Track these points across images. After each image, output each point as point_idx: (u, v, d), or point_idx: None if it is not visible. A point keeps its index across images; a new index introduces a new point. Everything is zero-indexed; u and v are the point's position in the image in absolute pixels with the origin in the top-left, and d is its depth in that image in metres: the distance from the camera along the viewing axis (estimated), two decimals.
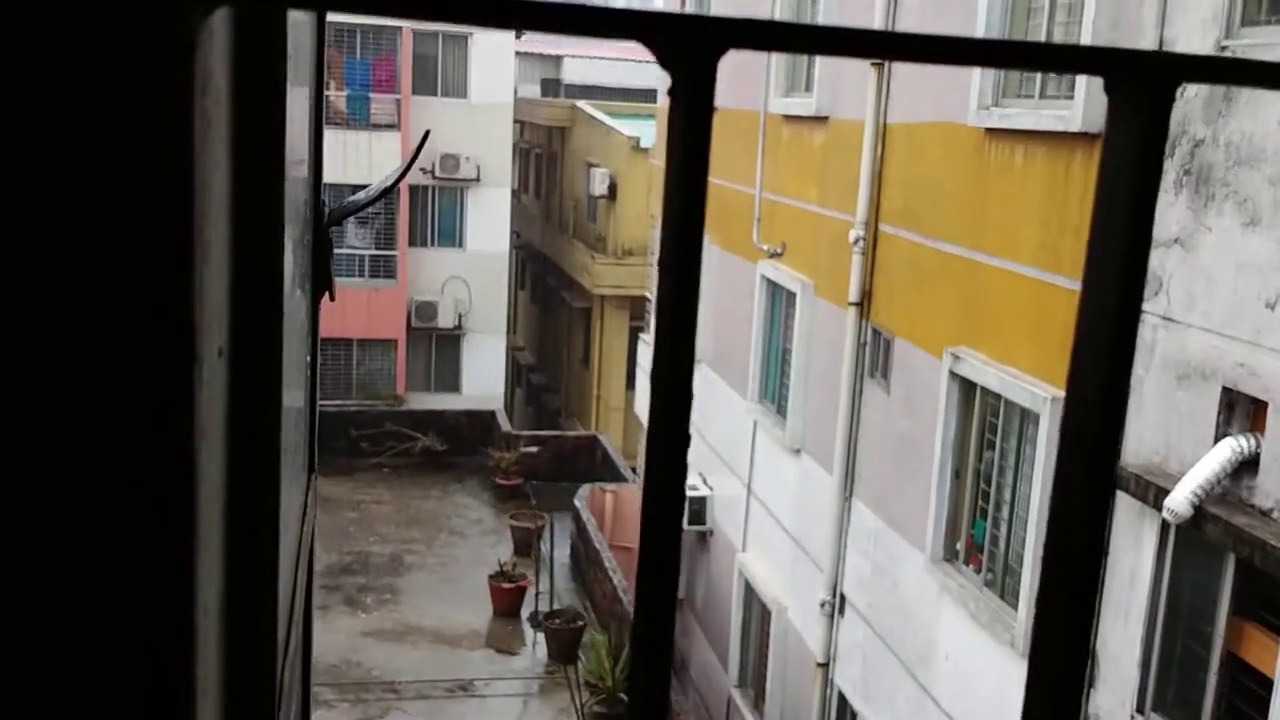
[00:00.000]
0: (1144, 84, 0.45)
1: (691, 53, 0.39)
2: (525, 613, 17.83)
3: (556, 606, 17.41)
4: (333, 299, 1.95)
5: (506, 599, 17.80)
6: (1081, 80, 7.41)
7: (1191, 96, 6.53)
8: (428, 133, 3.35)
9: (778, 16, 12.55)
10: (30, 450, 0.50)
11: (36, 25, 0.45)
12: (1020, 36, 8.45)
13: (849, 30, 0.44)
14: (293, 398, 1.56)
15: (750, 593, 13.36)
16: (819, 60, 11.60)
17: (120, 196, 0.49)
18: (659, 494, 0.44)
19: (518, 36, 27.68)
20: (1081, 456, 0.45)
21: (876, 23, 10.20)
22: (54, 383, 0.50)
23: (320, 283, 1.89)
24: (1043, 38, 8.16)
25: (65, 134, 0.47)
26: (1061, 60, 0.48)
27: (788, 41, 0.43)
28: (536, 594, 17.70)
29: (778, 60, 12.62)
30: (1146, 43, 6.81)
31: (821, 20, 11.50)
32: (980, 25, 8.58)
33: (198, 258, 0.52)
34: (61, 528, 0.51)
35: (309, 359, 1.92)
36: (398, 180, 2.73)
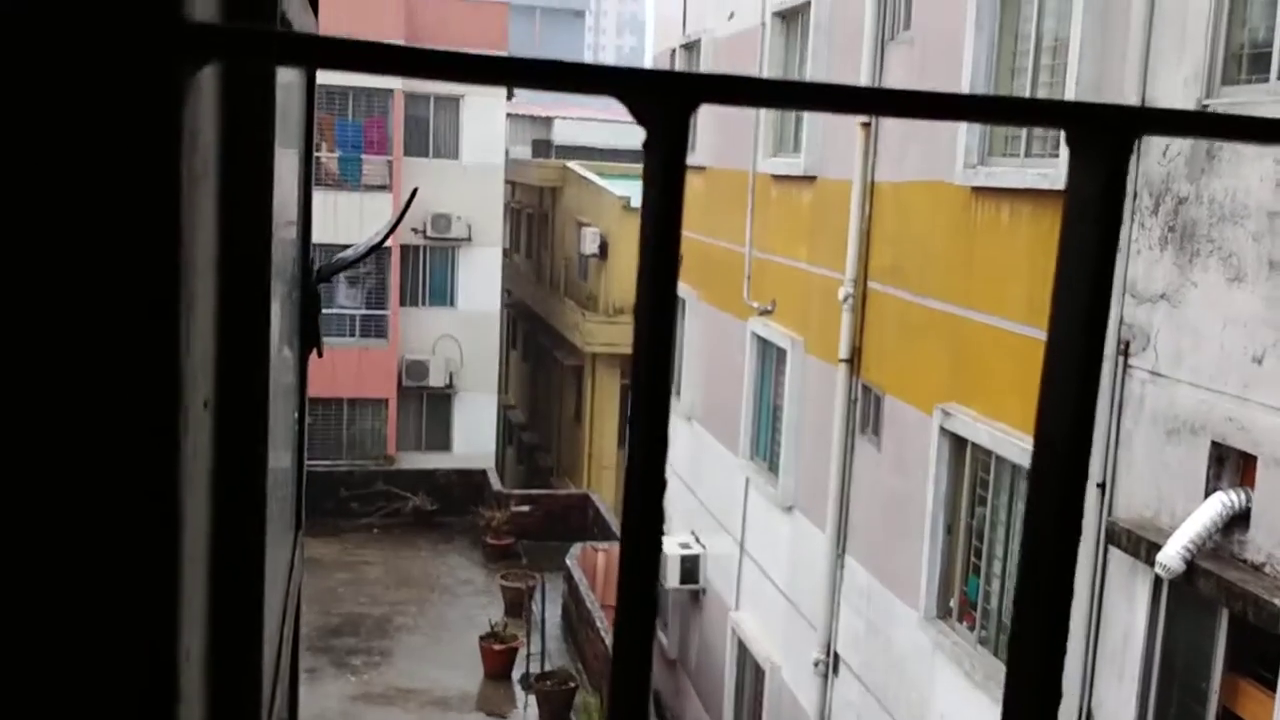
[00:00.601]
0: (1104, 136, 0.46)
1: (664, 107, 0.40)
2: (517, 674, 17.63)
3: (548, 668, 17.22)
4: (320, 356, 1.96)
5: (498, 661, 17.61)
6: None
7: (1175, 154, 6.62)
8: (415, 190, 3.38)
9: (765, 75, 12.71)
10: (10, 493, 0.50)
11: (25, 74, 0.45)
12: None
13: (816, 85, 0.45)
14: (280, 454, 1.56)
15: (743, 652, 13.24)
16: (807, 121, 11.74)
17: (108, 246, 0.49)
18: (636, 547, 0.44)
19: (509, 97, 27.97)
20: (1050, 500, 0.46)
21: (863, 85, 10.33)
22: (39, 425, 0.50)
23: (308, 340, 1.89)
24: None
25: (53, 183, 0.48)
26: (1024, 113, 0.49)
27: (757, 96, 0.44)
28: (528, 655, 17.52)
29: (766, 121, 12.77)
30: (1129, 101, 6.91)
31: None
32: (965, 83, 8.70)
33: (184, 308, 0.53)
34: (41, 574, 0.51)
35: (296, 415, 1.92)
36: (385, 237, 2.74)
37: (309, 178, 1.98)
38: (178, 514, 0.54)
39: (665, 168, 0.41)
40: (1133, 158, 0.48)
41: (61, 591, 0.52)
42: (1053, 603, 0.46)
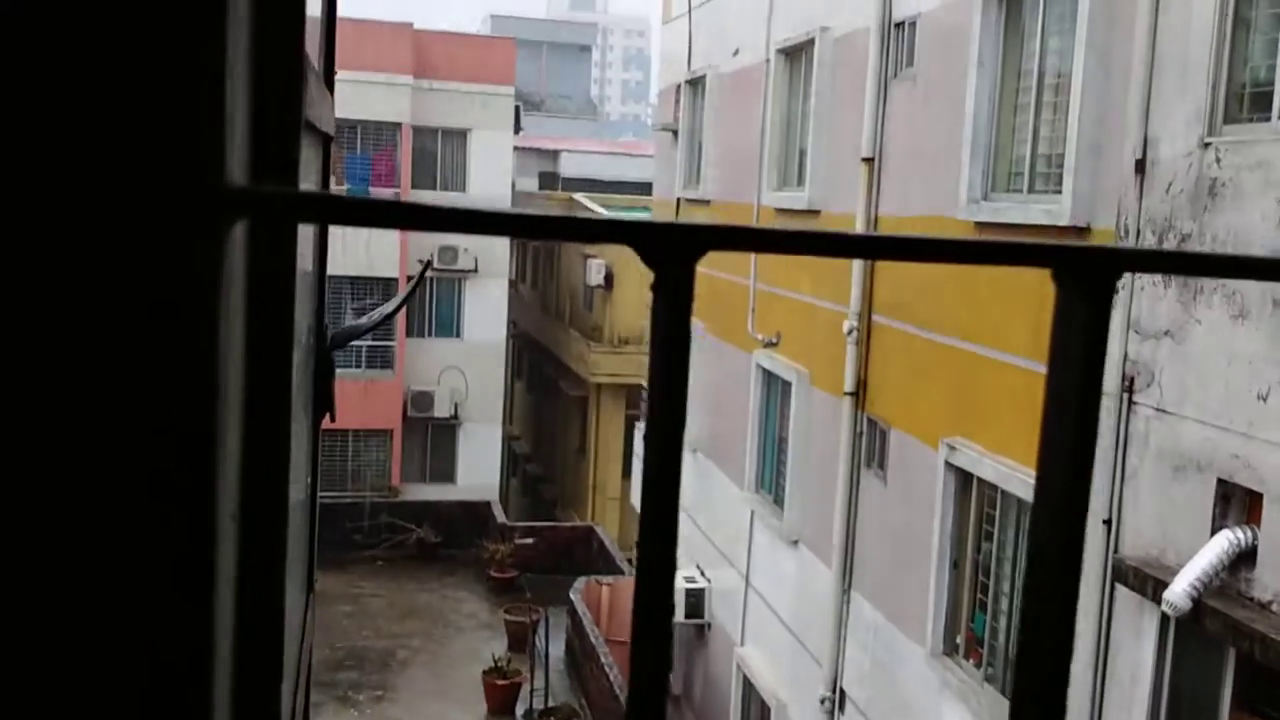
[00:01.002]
0: (1088, 274, 0.49)
1: (672, 255, 0.44)
2: (520, 710, 17.53)
3: (551, 704, 17.13)
4: (334, 420, 2.00)
5: (501, 696, 17.52)
6: (1069, 174, 7.54)
7: (1178, 191, 6.64)
8: (429, 263, 3.47)
9: (769, 126, 12.79)
10: (45, 617, 0.54)
11: (86, 235, 0.51)
12: (1007, 135, 8.62)
13: (818, 233, 0.49)
14: (294, 524, 1.59)
15: (749, 688, 13.17)
16: (811, 155, 11.80)
17: (153, 391, 0.55)
18: (650, 589, 0.47)
19: (516, 131, 28.15)
20: (1052, 544, 0.48)
21: (866, 124, 10.40)
22: (81, 571, 0.54)
23: (321, 405, 1.92)
24: (1029, 136, 8.32)
25: (105, 337, 0.54)
26: (1011, 255, 0.53)
27: (761, 243, 0.48)
28: (531, 691, 17.43)
29: (770, 154, 12.84)
30: (1131, 141, 6.94)
31: (813, 119, 11.73)
32: (968, 120, 8.75)
33: (220, 438, 0.58)
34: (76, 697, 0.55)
35: (309, 480, 1.94)
36: (397, 309, 2.81)
37: (324, 242, 2.00)
38: (210, 635, 0.59)
39: (671, 309, 0.45)
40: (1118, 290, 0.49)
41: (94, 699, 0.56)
42: (1055, 641, 0.48)
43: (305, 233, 1.69)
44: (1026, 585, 0.52)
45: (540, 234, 0.46)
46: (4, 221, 0.52)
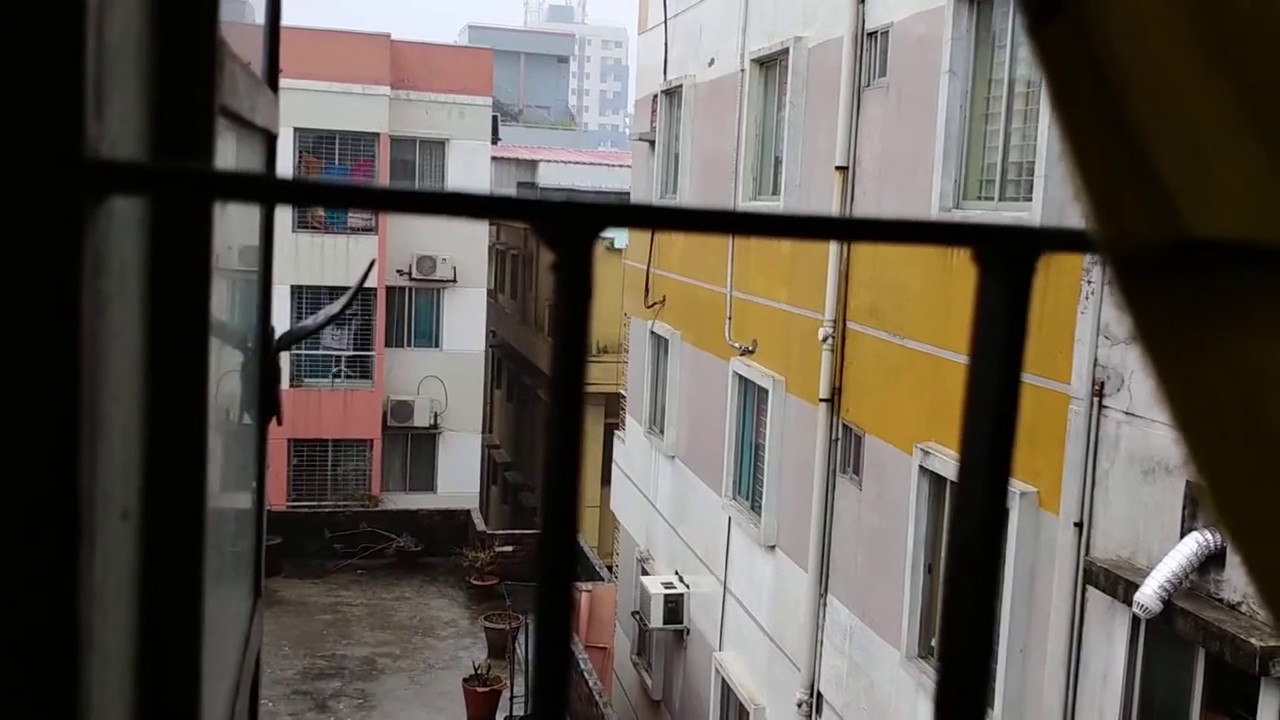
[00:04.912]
0: (1009, 254, 0.49)
1: (570, 234, 0.45)
2: (500, 716, 17.51)
3: (532, 710, 17.08)
4: (279, 424, 2.00)
5: (481, 703, 17.49)
6: (1040, 181, 7.63)
7: None
8: (373, 262, 3.48)
9: (744, 135, 12.87)
10: None
11: None
12: (979, 143, 8.71)
13: (718, 211, 0.50)
14: (233, 521, 1.59)
15: (728, 692, 13.21)
16: (785, 164, 11.89)
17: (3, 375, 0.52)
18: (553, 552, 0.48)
19: (494, 141, 28.15)
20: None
21: (840, 133, 10.48)
22: None
23: (267, 410, 1.93)
24: (1000, 144, 8.41)
25: None
26: (932, 234, 0.53)
27: (655, 221, 0.49)
28: (511, 697, 17.41)
29: (745, 163, 12.91)
30: None
31: (787, 128, 11.81)
32: (940, 127, 8.84)
33: (86, 426, 0.54)
34: None
35: (255, 484, 1.95)
36: (343, 309, 2.81)
37: (270, 241, 2.02)
38: (76, 642, 0.55)
39: (570, 289, 0.45)
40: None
41: None
42: (977, 612, 0.49)
43: (247, 231, 1.69)
44: (948, 577, 0.54)
45: (438, 210, 0.45)
46: None
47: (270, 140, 1.86)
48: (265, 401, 1.88)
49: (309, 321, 2.91)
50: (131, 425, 0.76)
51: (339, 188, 0.45)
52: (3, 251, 0.51)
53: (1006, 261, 0.49)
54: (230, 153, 1.35)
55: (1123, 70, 0.41)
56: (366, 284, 25.28)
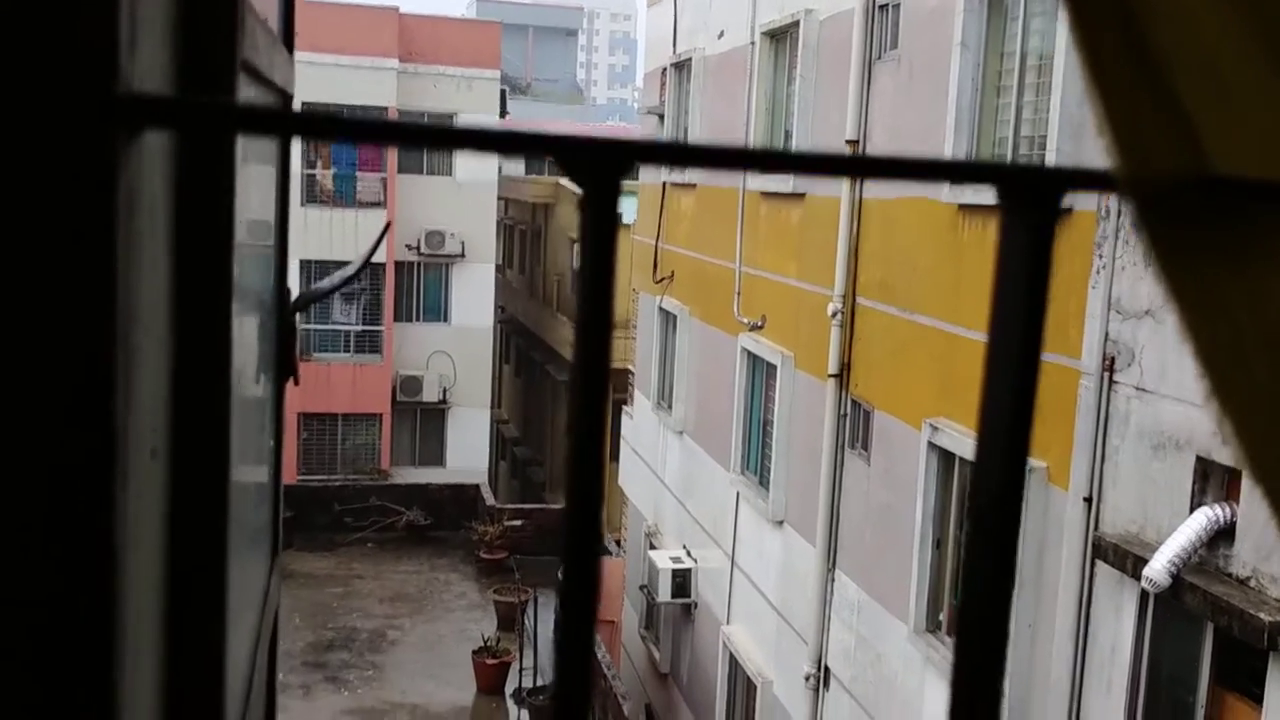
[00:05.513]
0: (1032, 193, 0.49)
1: (598, 170, 0.45)
2: (510, 689, 17.62)
3: (541, 682, 17.22)
4: (296, 384, 2.01)
5: (491, 675, 17.60)
6: (1051, 154, 7.59)
7: None
8: (389, 224, 3.48)
9: (754, 108, 12.81)
10: None
11: None
12: (990, 115, 8.66)
13: (742, 149, 0.49)
14: (254, 482, 1.59)
15: (735, 666, 13.26)
16: (795, 138, 11.83)
17: (42, 305, 0.53)
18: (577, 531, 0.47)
19: (502, 115, 28.06)
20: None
21: (850, 106, 10.42)
22: None
23: (284, 369, 1.94)
24: (1011, 117, 8.35)
25: None
26: (954, 173, 0.52)
27: (685, 159, 0.48)
28: (520, 670, 17.51)
29: (755, 137, 12.85)
30: None
31: (797, 101, 11.74)
32: (951, 101, 8.78)
33: (120, 361, 0.55)
34: None
35: (273, 443, 1.96)
36: (359, 270, 2.81)
37: (286, 202, 2.02)
38: (113, 571, 0.56)
39: (598, 225, 0.45)
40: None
41: None
42: (997, 587, 0.49)
43: (264, 187, 1.69)
44: (969, 532, 0.54)
45: (462, 145, 0.45)
46: None
47: (286, 100, 1.86)
48: (282, 361, 1.89)
49: (324, 282, 2.91)
50: (160, 362, 0.77)
51: (360, 123, 0.45)
52: (43, 183, 0.51)
53: (1030, 201, 0.49)
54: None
55: (1146, 1, 0.41)
56: (375, 259, 25.29)
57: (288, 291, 1.97)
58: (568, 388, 0.48)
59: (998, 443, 0.50)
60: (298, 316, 2.14)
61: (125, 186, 0.54)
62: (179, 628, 0.87)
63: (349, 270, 2.68)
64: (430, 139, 0.47)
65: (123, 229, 0.54)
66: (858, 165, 0.51)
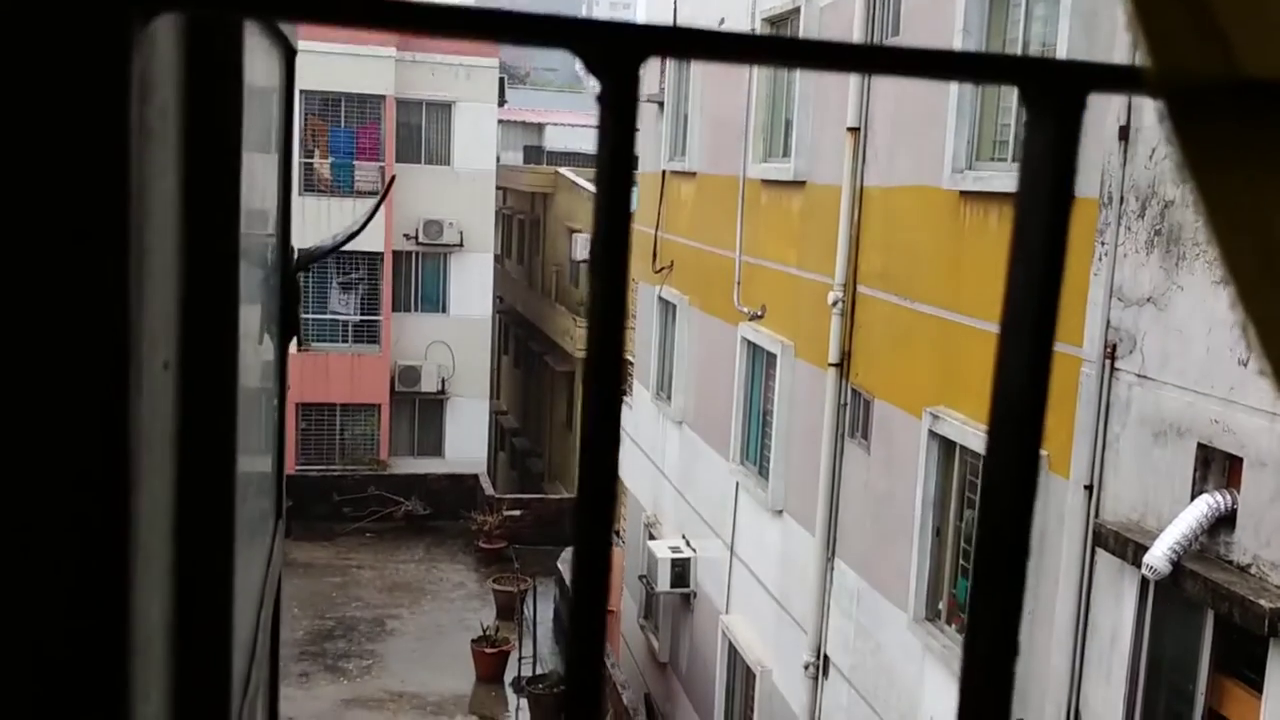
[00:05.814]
0: (1056, 90, 0.47)
1: (616, 58, 0.42)
2: (509, 678, 17.63)
3: (540, 671, 17.24)
4: (300, 346, 1.99)
5: (490, 664, 17.61)
6: None
7: (1161, 158, 6.67)
8: (393, 178, 3.45)
9: (754, 97, 12.77)
10: None
11: None
12: (992, 103, 8.63)
13: (765, 38, 0.47)
14: (258, 434, 1.58)
15: (734, 655, 13.27)
16: (796, 126, 11.79)
17: (53, 195, 0.52)
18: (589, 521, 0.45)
19: (500, 104, 28.00)
20: (1008, 459, 0.48)
21: (851, 95, 10.39)
22: None
23: (288, 327, 1.93)
24: (1013, 104, 8.32)
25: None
26: (975, 68, 0.50)
27: (707, 49, 0.46)
28: (520, 659, 17.52)
29: (756, 125, 12.82)
30: (1114, 108, 6.97)
31: (799, 90, 11.71)
32: (953, 93, 8.75)
33: (133, 260, 0.54)
34: None
35: (277, 402, 1.95)
36: (362, 226, 2.81)
37: (288, 167, 2.01)
38: (128, 470, 0.55)
39: (617, 117, 0.43)
40: (1085, 114, 0.48)
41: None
42: (1010, 576, 0.47)
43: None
44: (984, 486, 0.52)
45: (475, 32, 0.43)
46: None
47: (290, 56, 1.85)
48: (286, 320, 1.88)
49: (326, 241, 2.91)
50: (171, 270, 0.75)
51: (373, 2, 0.43)
52: (55, 68, 0.50)
53: (1055, 99, 0.47)
54: (259, 61, 1.33)
55: None
56: (373, 249, 25.26)
57: (291, 250, 1.96)
58: (588, 283, 0.46)
59: (1022, 335, 0.48)
60: (300, 276, 2.13)
61: (139, 71, 0.53)
62: (186, 558, 0.86)
63: (352, 228, 2.67)
64: (434, 22, 0.43)
65: (135, 115, 0.53)
66: (879, 57, 0.49)
